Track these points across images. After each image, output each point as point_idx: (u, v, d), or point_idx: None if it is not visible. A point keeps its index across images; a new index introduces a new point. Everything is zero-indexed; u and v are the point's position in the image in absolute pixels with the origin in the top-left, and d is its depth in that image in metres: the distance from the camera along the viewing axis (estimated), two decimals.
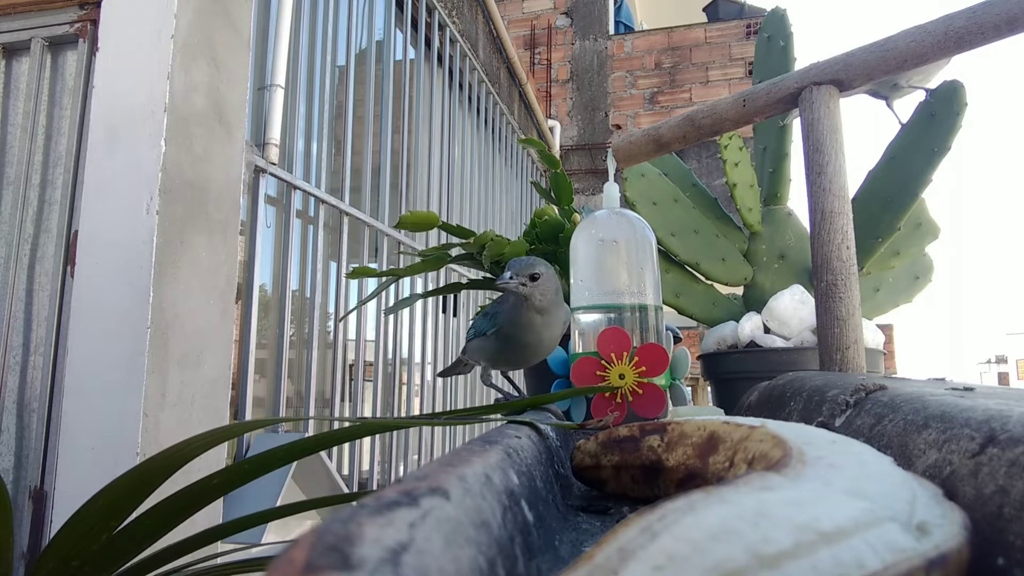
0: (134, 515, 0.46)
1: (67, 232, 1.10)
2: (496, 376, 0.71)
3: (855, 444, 0.28)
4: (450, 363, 0.84)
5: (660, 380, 0.63)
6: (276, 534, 1.17)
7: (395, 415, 2.01)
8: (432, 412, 2.23)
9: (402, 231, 2.01)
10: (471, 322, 0.72)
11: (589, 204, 4.20)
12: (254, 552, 1.01)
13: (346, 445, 1.74)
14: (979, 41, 0.70)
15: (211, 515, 1.08)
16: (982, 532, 0.22)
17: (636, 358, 0.62)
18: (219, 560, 0.58)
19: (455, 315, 2.44)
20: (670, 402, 0.67)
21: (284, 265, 1.52)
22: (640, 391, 0.62)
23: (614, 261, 0.68)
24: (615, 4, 4.98)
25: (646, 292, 0.67)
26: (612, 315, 0.67)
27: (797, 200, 1.21)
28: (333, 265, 1.77)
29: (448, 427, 2.42)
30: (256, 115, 1.46)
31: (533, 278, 0.64)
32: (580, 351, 0.67)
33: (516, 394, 0.71)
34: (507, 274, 0.62)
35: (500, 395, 0.69)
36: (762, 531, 0.17)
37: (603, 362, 0.62)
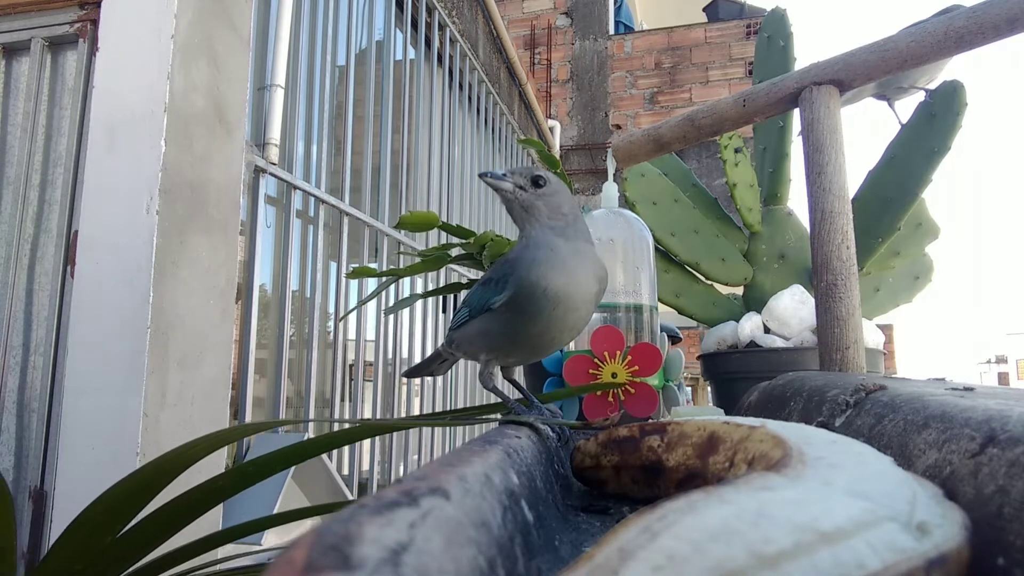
0: (137, 519, 0.46)
1: (67, 232, 1.10)
2: (498, 376, 0.54)
3: (855, 444, 0.28)
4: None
5: (653, 380, 0.63)
6: (276, 535, 1.17)
7: (395, 415, 2.01)
8: (433, 412, 2.23)
9: (402, 231, 2.01)
10: (460, 304, 0.55)
11: (589, 204, 4.20)
12: (255, 556, 1.01)
13: (346, 445, 1.74)
14: (979, 41, 0.70)
15: (211, 515, 1.08)
16: (982, 532, 0.22)
17: (629, 357, 0.62)
18: (220, 567, 0.58)
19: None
20: (662, 402, 0.67)
21: (284, 265, 1.52)
22: (632, 390, 0.62)
23: (610, 260, 0.68)
24: (615, 4, 4.98)
25: (641, 292, 0.68)
26: (607, 314, 0.67)
27: (797, 200, 1.21)
28: (333, 265, 1.77)
29: (448, 427, 2.42)
30: (256, 115, 1.46)
31: (536, 183, 0.48)
32: (573, 349, 0.67)
33: (522, 404, 0.53)
34: (500, 171, 0.48)
35: (504, 403, 0.53)
36: (762, 531, 0.17)
37: (596, 360, 0.63)
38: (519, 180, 0.48)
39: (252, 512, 1.09)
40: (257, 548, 1.09)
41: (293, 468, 1.22)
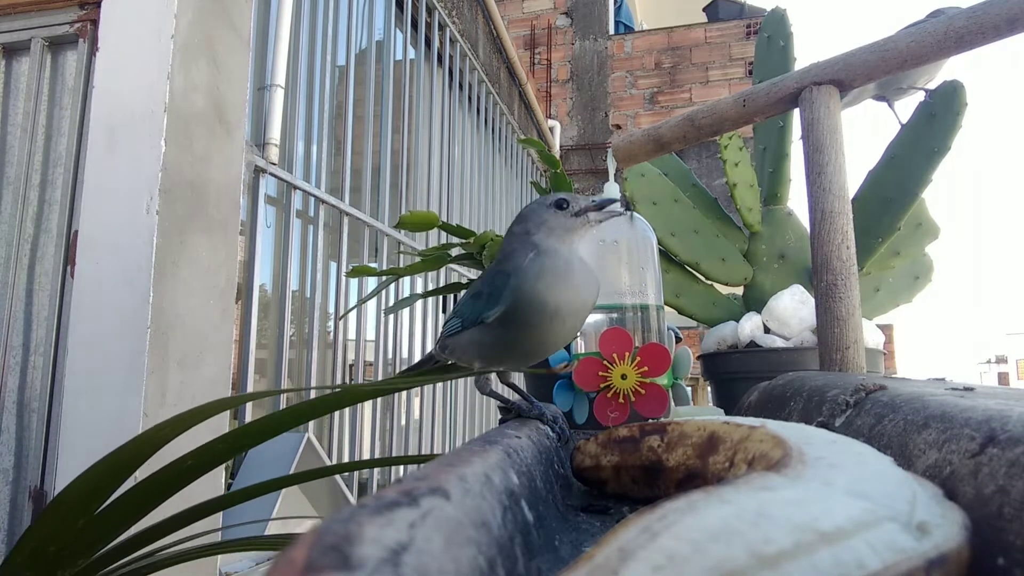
0: (114, 496, 0.45)
1: (67, 232, 1.10)
2: (495, 381, 0.54)
3: (855, 444, 0.28)
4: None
5: (662, 380, 0.63)
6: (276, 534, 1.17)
7: (394, 415, 2.01)
8: (432, 411, 2.23)
9: (402, 231, 2.01)
10: (453, 311, 0.55)
11: None
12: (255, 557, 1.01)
13: (346, 446, 1.74)
14: (979, 41, 0.70)
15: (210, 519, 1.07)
16: (982, 532, 0.22)
17: (638, 358, 0.62)
18: (205, 540, 0.58)
19: None
20: (672, 401, 0.67)
21: (284, 265, 1.52)
22: (643, 391, 0.62)
23: (615, 261, 0.68)
24: (615, 4, 4.98)
25: (647, 292, 0.68)
26: (614, 315, 0.67)
27: (797, 200, 1.21)
28: (333, 265, 1.77)
29: (448, 428, 2.43)
30: (256, 115, 1.46)
31: (559, 204, 0.51)
32: (582, 352, 0.67)
33: (524, 402, 0.53)
34: (594, 200, 0.49)
35: (504, 404, 0.54)
36: (762, 531, 0.17)
37: (605, 362, 0.62)
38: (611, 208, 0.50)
39: (251, 511, 1.09)
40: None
41: (294, 468, 1.22)
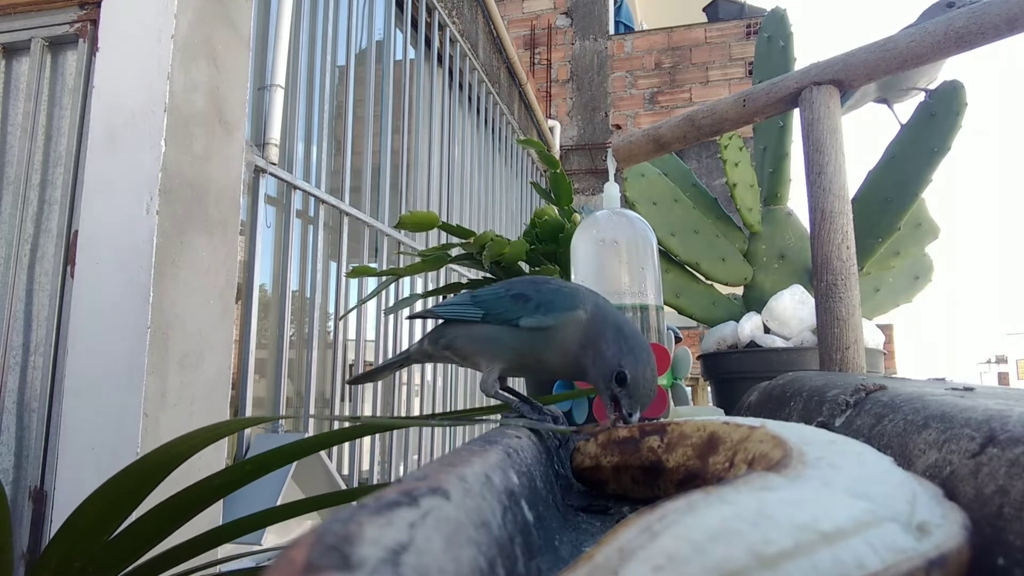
0: (135, 515, 0.45)
1: (67, 232, 1.10)
2: (497, 384, 0.53)
3: (855, 444, 0.28)
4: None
5: (662, 380, 0.63)
6: (276, 535, 1.17)
7: (394, 414, 2.01)
8: (432, 412, 2.23)
9: (402, 231, 2.01)
10: (469, 298, 0.54)
11: (589, 204, 4.19)
12: (255, 558, 1.01)
13: (346, 445, 1.74)
14: (979, 41, 0.70)
15: (211, 514, 1.08)
16: (982, 532, 0.22)
17: None
18: (220, 568, 0.58)
19: None
20: (671, 401, 0.67)
21: (284, 265, 1.52)
22: None
23: (615, 261, 0.68)
24: (615, 4, 4.98)
25: (647, 292, 0.68)
26: None
27: (797, 200, 1.21)
28: (333, 265, 1.77)
29: (448, 427, 2.42)
30: (256, 115, 1.46)
31: (621, 382, 0.48)
32: None
33: (525, 405, 0.53)
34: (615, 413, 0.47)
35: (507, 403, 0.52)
36: (762, 531, 0.17)
37: None
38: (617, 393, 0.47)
39: (252, 506, 1.08)
40: (257, 548, 1.08)
41: (293, 467, 1.22)
